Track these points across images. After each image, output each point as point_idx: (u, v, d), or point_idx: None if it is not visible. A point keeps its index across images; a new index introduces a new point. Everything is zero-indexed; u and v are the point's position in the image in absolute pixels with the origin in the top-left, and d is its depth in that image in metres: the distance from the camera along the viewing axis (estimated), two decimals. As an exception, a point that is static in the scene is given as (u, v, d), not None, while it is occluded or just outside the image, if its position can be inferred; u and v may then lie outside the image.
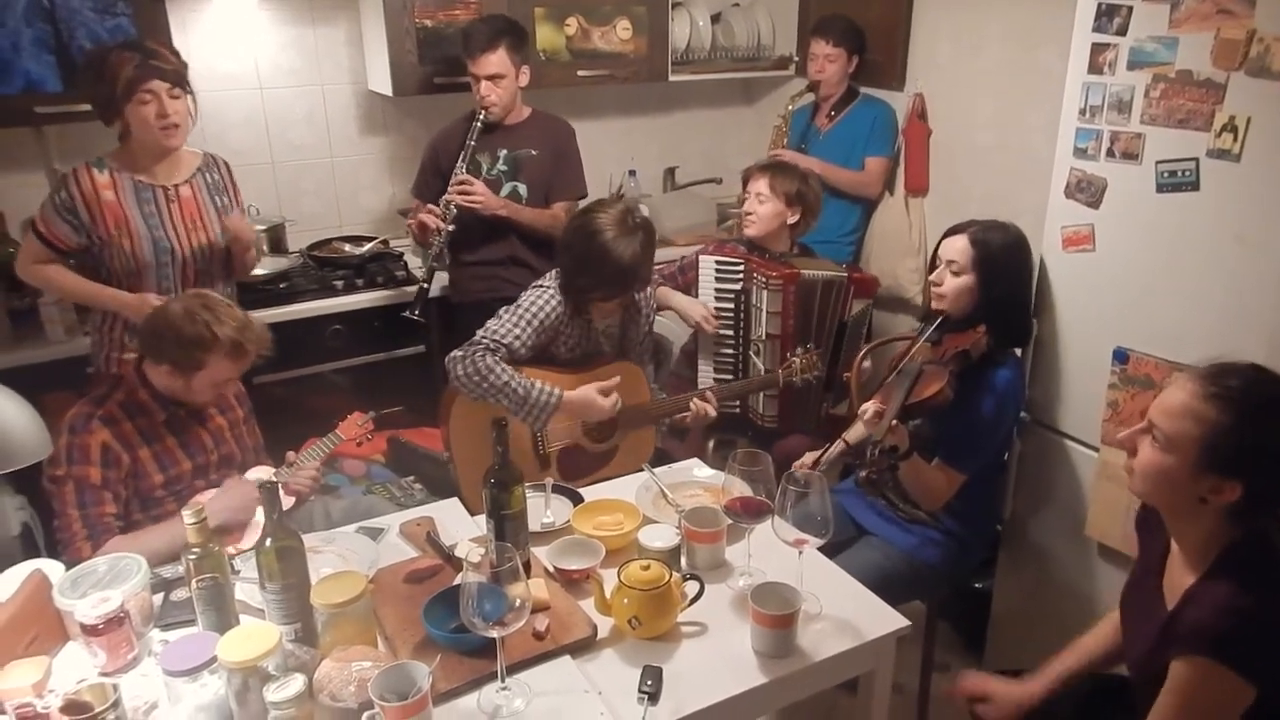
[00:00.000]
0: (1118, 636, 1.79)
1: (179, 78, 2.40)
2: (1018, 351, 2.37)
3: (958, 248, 2.24)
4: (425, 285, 3.05)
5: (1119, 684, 1.83)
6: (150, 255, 2.48)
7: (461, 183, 3.00)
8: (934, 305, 2.31)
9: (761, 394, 2.85)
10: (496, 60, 2.96)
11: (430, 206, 3.05)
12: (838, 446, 2.47)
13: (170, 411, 2.14)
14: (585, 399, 2.45)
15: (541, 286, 2.53)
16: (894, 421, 2.03)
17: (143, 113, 2.37)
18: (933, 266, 2.34)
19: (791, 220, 2.89)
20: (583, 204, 3.37)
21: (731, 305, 2.90)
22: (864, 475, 1.97)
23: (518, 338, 2.42)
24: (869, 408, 2.12)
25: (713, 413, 2.62)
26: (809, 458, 2.48)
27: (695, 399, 2.61)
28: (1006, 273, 2.22)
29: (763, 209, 2.88)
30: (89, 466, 2.02)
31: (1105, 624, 1.86)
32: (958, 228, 2.29)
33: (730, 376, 2.92)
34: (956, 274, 2.24)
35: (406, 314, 3.03)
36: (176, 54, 2.43)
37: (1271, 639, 1.43)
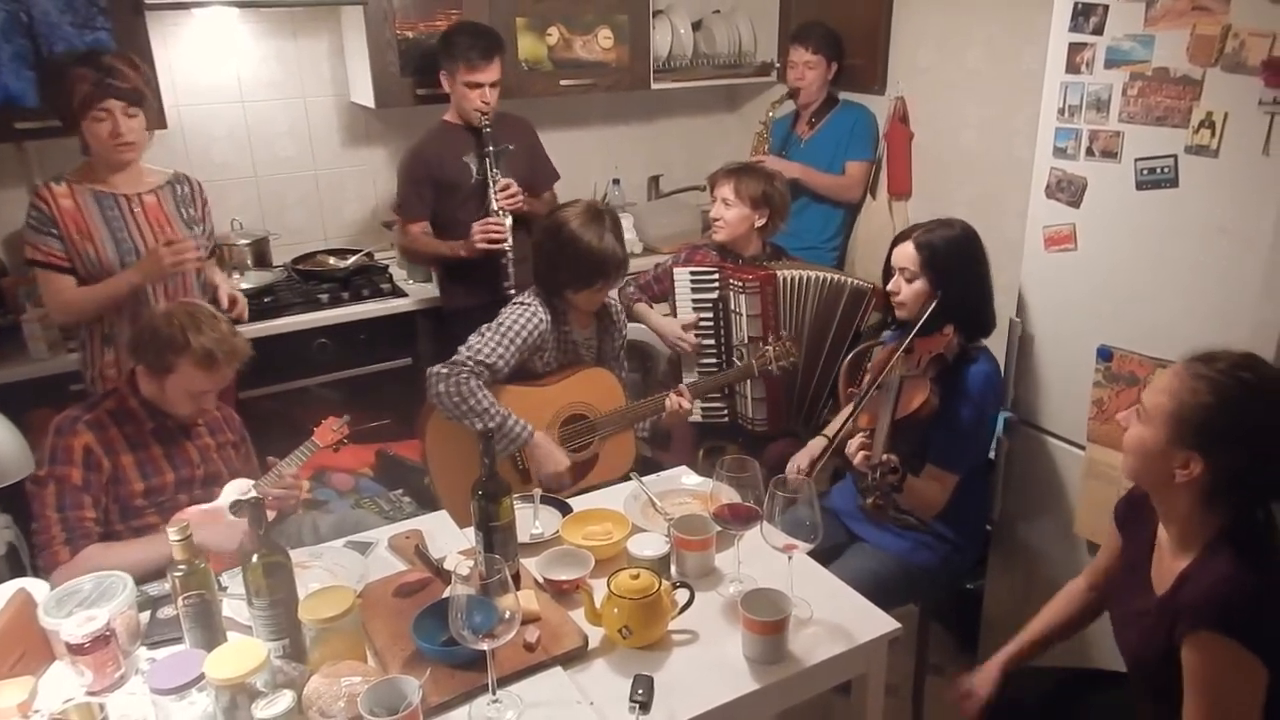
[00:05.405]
0: (1071, 607, 1.89)
1: (136, 96, 2.39)
2: (989, 347, 2.37)
3: (907, 254, 2.26)
4: (513, 290, 2.96)
5: (1103, 676, 1.86)
6: (115, 258, 2.45)
7: (506, 187, 3.03)
8: (897, 314, 2.31)
9: (750, 398, 2.85)
10: (496, 68, 3.03)
11: (489, 220, 3.00)
12: (819, 443, 2.49)
13: (158, 421, 2.13)
14: (548, 451, 2.47)
15: (522, 303, 2.52)
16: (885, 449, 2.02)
17: (97, 130, 2.36)
18: (886, 276, 2.34)
19: (759, 223, 2.89)
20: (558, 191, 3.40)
21: (710, 313, 2.90)
22: (870, 502, 1.96)
23: (501, 357, 2.42)
24: (855, 444, 2.11)
25: (688, 406, 2.61)
26: (801, 462, 2.48)
27: (670, 395, 2.61)
28: (958, 269, 2.22)
29: (729, 213, 2.89)
30: (71, 467, 2.00)
31: (1057, 601, 1.93)
32: (903, 234, 2.31)
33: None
34: (910, 280, 2.26)
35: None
36: (138, 68, 2.41)
37: (1274, 615, 1.44)
